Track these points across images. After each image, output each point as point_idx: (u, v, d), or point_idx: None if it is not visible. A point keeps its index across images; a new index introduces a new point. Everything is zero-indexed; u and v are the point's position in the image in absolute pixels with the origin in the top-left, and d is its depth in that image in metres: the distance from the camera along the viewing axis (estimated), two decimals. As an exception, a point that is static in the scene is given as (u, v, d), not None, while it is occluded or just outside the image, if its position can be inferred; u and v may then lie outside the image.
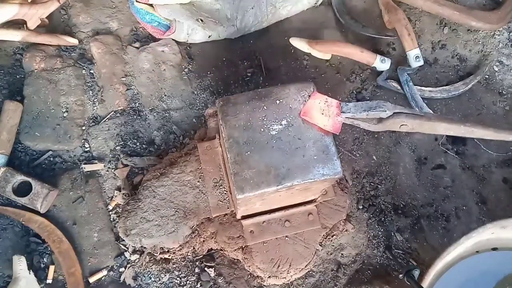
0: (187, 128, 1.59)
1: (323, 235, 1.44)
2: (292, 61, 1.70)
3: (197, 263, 1.46)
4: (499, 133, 1.11)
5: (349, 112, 1.05)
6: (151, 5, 1.54)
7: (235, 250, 1.39)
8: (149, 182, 1.39)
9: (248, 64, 1.68)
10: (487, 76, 1.72)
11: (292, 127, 1.04)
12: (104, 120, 1.57)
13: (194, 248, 1.41)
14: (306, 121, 1.04)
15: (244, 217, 1.35)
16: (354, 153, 1.61)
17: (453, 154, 1.63)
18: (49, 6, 1.57)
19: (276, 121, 1.04)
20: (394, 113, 1.05)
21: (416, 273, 1.30)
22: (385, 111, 1.04)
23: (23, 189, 1.42)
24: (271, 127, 1.03)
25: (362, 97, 1.67)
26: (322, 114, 1.04)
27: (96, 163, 1.53)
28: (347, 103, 1.06)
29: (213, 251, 1.46)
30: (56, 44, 1.60)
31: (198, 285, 1.44)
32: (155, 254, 1.41)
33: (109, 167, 1.53)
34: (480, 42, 1.73)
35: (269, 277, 1.38)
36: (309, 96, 1.07)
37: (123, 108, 1.59)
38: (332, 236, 1.47)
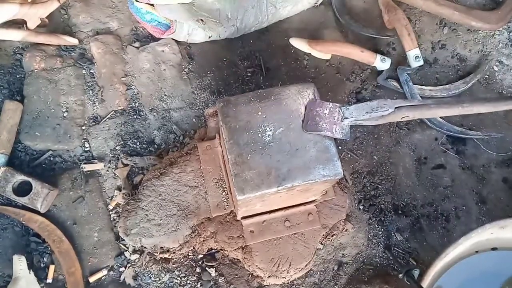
0: (187, 127, 1.59)
1: (323, 235, 1.45)
2: (292, 61, 1.70)
3: (199, 262, 1.46)
4: (497, 106, 1.11)
5: (352, 117, 1.04)
6: (151, 4, 1.54)
7: (235, 249, 1.39)
8: (149, 181, 1.39)
9: (248, 64, 1.68)
10: (487, 76, 1.72)
11: (292, 128, 1.04)
12: (104, 120, 1.57)
13: (194, 247, 1.41)
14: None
15: (244, 217, 1.35)
16: (355, 152, 1.61)
17: (453, 154, 1.63)
18: (49, 6, 1.57)
19: (277, 122, 1.04)
20: (395, 108, 1.05)
21: (416, 272, 1.30)
22: (387, 109, 1.04)
23: (23, 189, 1.42)
24: (271, 128, 1.03)
25: (362, 97, 1.67)
26: (328, 122, 1.04)
27: (96, 163, 1.53)
28: (347, 107, 1.06)
29: (213, 250, 1.46)
30: (56, 44, 1.60)
31: (199, 285, 1.44)
32: (155, 254, 1.41)
33: (109, 167, 1.53)
34: (480, 42, 1.73)
35: (269, 276, 1.38)
36: (311, 105, 1.06)
37: (123, 108, 1.59)
38: (332, 236, 1.48)
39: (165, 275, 1.44)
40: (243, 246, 1.37)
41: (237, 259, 1.44)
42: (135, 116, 1.59)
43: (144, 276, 1.44)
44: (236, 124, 1.04)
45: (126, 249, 1.46)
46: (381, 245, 1.53)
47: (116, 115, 1.58)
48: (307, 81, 1.59)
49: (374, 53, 1.64)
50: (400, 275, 1.33)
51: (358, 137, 1.63)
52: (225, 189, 1.36)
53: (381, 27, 1.73)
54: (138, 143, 1.56)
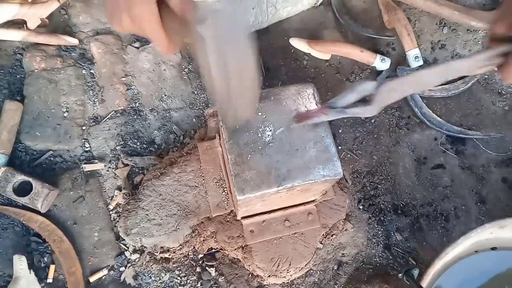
0: (187, 127, 1.60)
1: (323, 235, 1.45)
2: (292, 61, 1.70)
3: (199, 262, 1.46)
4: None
5: (338, 106, 1.00)
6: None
7: (235, 249, 1.39)
8: (150, 181, 1.39)
9: (248, 64, 1.68)
10: (486, 76, 1.72)
11: (292, 128, 1.04)
12: (104, 120, 1.57)
13: (194, 247, 1.41)
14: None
15: (244, 217, 1.35)
16: (355, 152, 1.62)
17: (452, 154, 1.64)
18: (49, 6, 1.57)
19: (277, 122, 1.04)
20: (380, 84, 0.96)
21: (416, 272, 1.30)
22: (369, 88, 0.97)
23: (24, 189, 1.42)
24: (271, 128, 1.03)
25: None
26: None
27: (96, 163, 1.53)
28: (331, 100, 1.01)
29: (213, 250, 1.46)
30: (56, 44, 1.60)
31: (199, 285, 1.44)
32: (155, 254, 1.41)
33: (109, 167, 1.53)
34: (480, 42, 1.73)
35: (269, 276, 1.38)
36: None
37: (124, 108, 1.59)
38: (332, 236, 1.48)
39: (165, 274, 1.44)
40: (243, 245, 1.38)
41: (237, 259, 1.44)
42: (135, 116, 1.59)
43: (145, 275, 1.44)
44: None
45: (126, 249, 1.46)
46: (381, 245, 1.54)
47: (116, 115, 1.58)
48: (307, 81, 1.59)
49: (373, 53, 1.64)
50: (400, 274, 1.34)
51: (358, 137, 1.63)
52: (225, 189, 1.36)
53: (381, 27, 1.73)
54: (138, 143, 1.56)
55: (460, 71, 0.96)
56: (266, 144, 1.02)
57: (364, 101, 0.99)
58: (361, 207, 1.56)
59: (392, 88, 0.96)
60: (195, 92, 1.63)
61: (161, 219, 1.34)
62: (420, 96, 1.65)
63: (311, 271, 1.48)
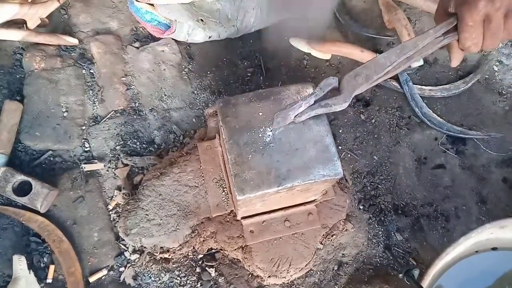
0: (187, 127, 1.59)
1: (323, 235, 1.45)
2: (292, 61, 1.70)
3: (199, 262, 1.46)
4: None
5: (301, 107, 1.01)
6: (151, 4, 1.54)
7: (235, 249, 1.39)
8: (149, 181, 1.39)
9: (248, 64, 1.68)
10: (486, 76, 1.72)
11: (292, 128, 1.04)
12: (104, 119, 1.57)
13: (194, 247, 1.41)
14: None
15: (244, 217, 1.35)
16: (355, 152, 1.61)
17: (452, 154, 1.63)
18: (49, 6, 1.57)
19: (276, 121, 1.04)
20: (345, 77, 0.99)
21: (416, 272, 1.30)
22: (331, 79, 1.00)
23: (23, 189, 1.42)
24: (271, 128, 1.03)
25: (362, 97, 1.67)
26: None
27: (96, 163, 1.53)
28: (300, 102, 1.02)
29: (213, 250, 1.46)
30: (56, 44, 1.60)
31: (199, 285, 1.44)
32: (155, 254, 1.41)
33: (109, 167, 1.53)
34: (480, 42, 1.73)
35: (269, 276, 1.38)
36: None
37: (123, 108, 1.59)
38: (332, 236, 1.47)
39: (165, 275, 1.44)
40: (243, 246, 1.37)
41: (237, 259, 1.44)
42: (135, 116, 1.59)
43: (144, 276, 1.44)
44: (236, 124, 1.03)
45: (126, 249, 1.46)
46: (381, 245, 1.53)
47: (116, 115, 1.58)
48: (307, 81, 1.59)
49: (374, 53, 1.64)
50: (400, 275, 1.33)
51: (358, 137, 1.63)
52: (225, 189, 1.36)
53: (381, 27, 1.73)
54: (138, 143, 1.56)
55: (418, 48, 0.99)
56: (266, 144, 1.02)
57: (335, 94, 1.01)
58: (361, 207, 1.56)
59: (355, 73, 0.99)
60: (195, 92, 1.63)
61: (161, 219, 1.34)
62: (421, 96, 1.65)
63: (311, 272, 1.47)
